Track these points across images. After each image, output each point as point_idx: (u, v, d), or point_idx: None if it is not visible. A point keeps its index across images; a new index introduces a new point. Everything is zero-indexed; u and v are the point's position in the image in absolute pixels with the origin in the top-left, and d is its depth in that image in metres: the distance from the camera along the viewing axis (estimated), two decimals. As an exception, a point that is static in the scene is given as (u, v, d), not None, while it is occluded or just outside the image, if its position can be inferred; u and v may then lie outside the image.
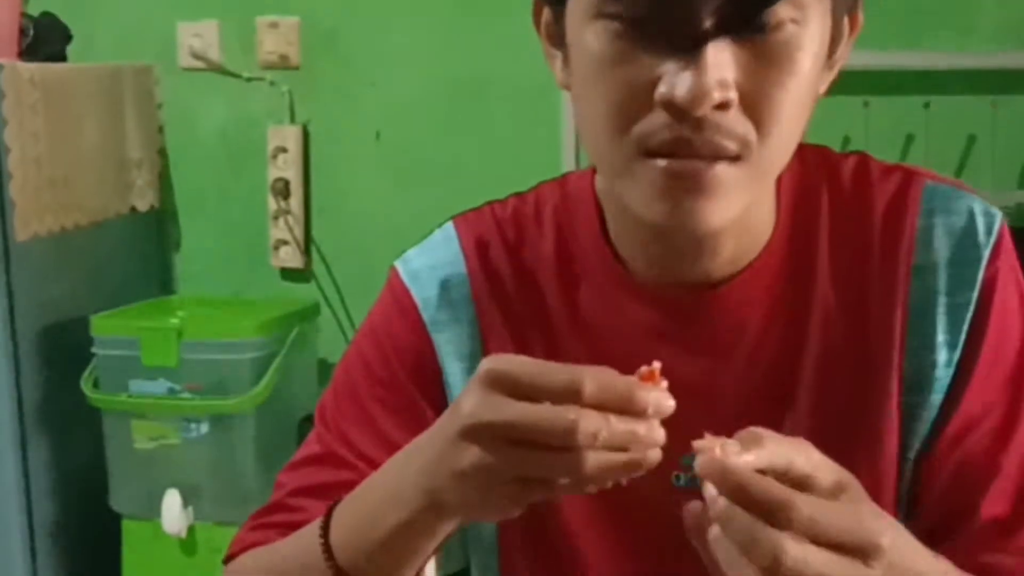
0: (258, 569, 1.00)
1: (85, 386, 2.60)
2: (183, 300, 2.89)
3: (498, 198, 1.06)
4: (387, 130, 2.84)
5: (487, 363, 0.75)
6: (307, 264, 2.92)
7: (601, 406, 0.71)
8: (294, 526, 0.98)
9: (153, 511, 2.58)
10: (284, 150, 2.86)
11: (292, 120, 2.88)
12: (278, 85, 2.88)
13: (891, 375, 0.94)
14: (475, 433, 0.74)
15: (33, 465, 2.61)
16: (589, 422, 0.71)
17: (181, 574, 2.63)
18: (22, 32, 2.62)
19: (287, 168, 2.87)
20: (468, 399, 0.75)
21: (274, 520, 1.03)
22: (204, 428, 2.57)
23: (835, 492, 0.71)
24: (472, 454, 0.74)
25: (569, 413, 0.71)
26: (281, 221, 2.88)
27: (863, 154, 1.00)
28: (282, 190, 2.86)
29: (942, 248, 0.94)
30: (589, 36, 0.83)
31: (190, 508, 2.58)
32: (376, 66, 2.82)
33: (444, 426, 0.78)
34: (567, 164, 2.66)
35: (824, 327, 0.95)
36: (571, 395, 0.71)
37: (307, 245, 2.91)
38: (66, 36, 2.80)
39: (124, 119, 2.84)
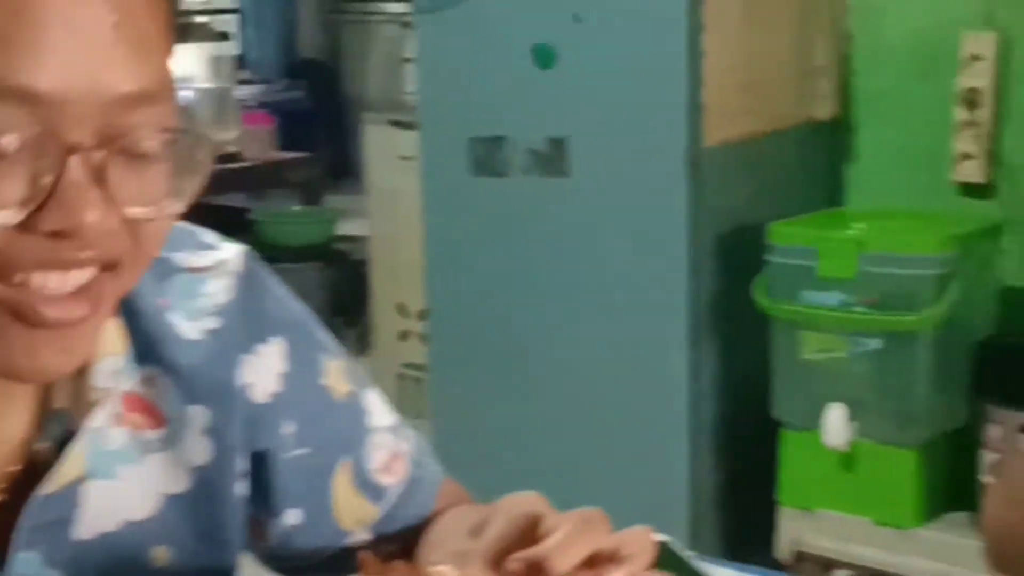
0: None
1: (757, 293, 2.61)
2: (857, 212, 2.82)
3: None
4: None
5: None
6: (990, 179, 2.75)
7: None
8: None
9: (814, 423, 2.56)
10: (978, 58, 2.70)
11: (989, 25, 2.70)
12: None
13: None
14: None
15: (701, 365, 2.67)
16: None
17: (837, 489, 2.60)
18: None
19: (979, 77, 2.70)
20: None
21: None
22: (876, 344, 2.51)
23: None
24: None
25: None
26: (966, 133, 2.73)
27: None
28: (971, 100, 2.70)
29: None
30: None
31: (853, 423, 2.53)
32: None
33: None
34: None
35: None
36: None
37: (992, 159, 2.74)
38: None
39: (814, 24, 2.79)
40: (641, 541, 0.77)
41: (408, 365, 3.55)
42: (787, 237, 2.59)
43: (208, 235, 0.95)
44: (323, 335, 0.99)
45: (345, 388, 0.98)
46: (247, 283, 0.93)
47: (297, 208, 5.16)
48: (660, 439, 2.71)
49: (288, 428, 0.94)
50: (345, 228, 4.84)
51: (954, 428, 2.57)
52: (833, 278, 2.52)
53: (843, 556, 2.61)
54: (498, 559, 0.75)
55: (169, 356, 0.88)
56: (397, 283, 3.51)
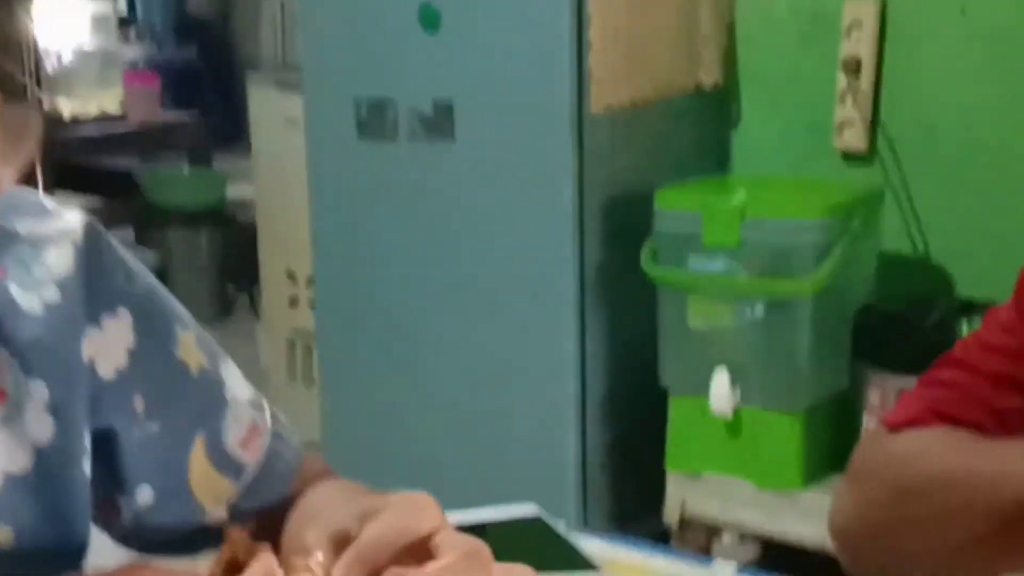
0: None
1: (644, 260, 2.61)
2: (742, 179, 2.83)
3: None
4: (974, 5, 2.63)
5: None
6: (871, 147, 2.78)
7: None
8: None
9: (701, 389, 2.57)
10: (859, 26, 2.72)
11: (871, -7, 2.73)
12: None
13: None
14: None
15: (590, 332, 2.67)
16: None
17: (725, 454, 2.62)
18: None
19: (860, 45, 2.73)
20: None
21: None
22: (759, 311, 2.52)
23: None
24: None
25: None
26: (848, 101, 2.76)
27: None
28: (853, 68, 2.72)
29: None
30: None
31: (738, 390, 2.55)
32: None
33: None
34: None
35: None
36: None
37: (873, 127, 2.77)
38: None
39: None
40: None
41: (297, 332, 3.50)
42: (673, 204, 2.59)
43: (49, 202, 0.91)
44: (174, 306, 0.96)
45: (199, 361, 0.96)
46: (90, 253, 0.89)
47: (186, 171, 5.07)
48: (548, 406, 2.70)
49: (139, 403, 0.91)
50: (236, 191, 4.76)
51: (836, 393, 2.60)
52: (718, 245, 2.53)
53: (728, 520, 2.64)
54: (373, 560, 0.74)
55: (6, 329, 0.85)
56: (285, 249, 3.46)
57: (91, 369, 0.88)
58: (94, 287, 0.89)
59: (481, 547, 0.75)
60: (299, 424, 3.45)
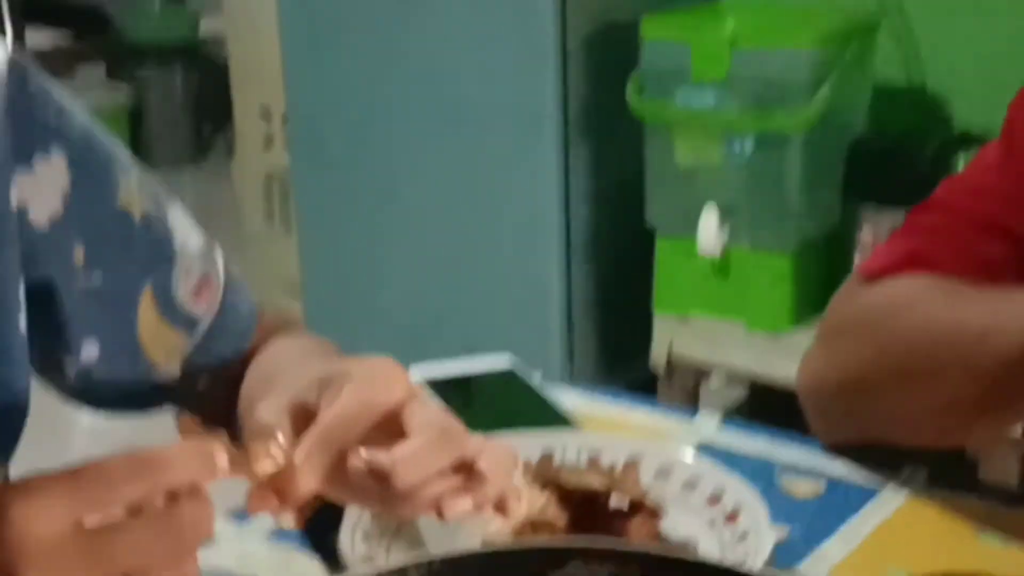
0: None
1: (630, 94, 2.51)
2: (732, 6, 2.71)
3: None
4: None
5: None
6: (867, -29, 2.66)
7: None
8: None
9: (689, 229, 2.50)
10: None
11: None
12: None
13: None
14: None
15: (574, 170, 2.59)
16: None
17: (712, 294, 2.56)
18: None
19: None
20: None
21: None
22: (749, 146, 2.44)
23: None
24: None
25: None
26: (844, -78, 2.63)
27: None
28: None
29: None
30: None
31: (726, 229, 2.48)
32: None
33: None
34: None
35: None
36: None
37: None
38: None
39: None
40: (500, 459, 0.72)
41: (274, 172, 3.40)
42: (659, 33, 2.48)
43: None
44: (114, 147, 0.87)
45: (144, 207, 0.88)
46: (16, 89, 0.80)
47: (157, 4, 4.90)
48: (532, 250, 2.63)
49: (77, 253, 0.84)
50: (211, 26, 4.60)
51: (827, 231, 2.53)
52: (707, 78, 2.43)
53: (716, 362, 2.59)
54: (338, 441, 0.69)
55: None
56: (259, 85, 3.34)
57: (22, 216, 0.80)
58: (22, 126, 0.80)
59: (453, 422, 0.71)
60: (277, 266, 3.37)
